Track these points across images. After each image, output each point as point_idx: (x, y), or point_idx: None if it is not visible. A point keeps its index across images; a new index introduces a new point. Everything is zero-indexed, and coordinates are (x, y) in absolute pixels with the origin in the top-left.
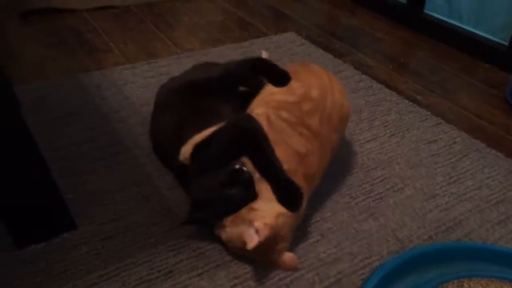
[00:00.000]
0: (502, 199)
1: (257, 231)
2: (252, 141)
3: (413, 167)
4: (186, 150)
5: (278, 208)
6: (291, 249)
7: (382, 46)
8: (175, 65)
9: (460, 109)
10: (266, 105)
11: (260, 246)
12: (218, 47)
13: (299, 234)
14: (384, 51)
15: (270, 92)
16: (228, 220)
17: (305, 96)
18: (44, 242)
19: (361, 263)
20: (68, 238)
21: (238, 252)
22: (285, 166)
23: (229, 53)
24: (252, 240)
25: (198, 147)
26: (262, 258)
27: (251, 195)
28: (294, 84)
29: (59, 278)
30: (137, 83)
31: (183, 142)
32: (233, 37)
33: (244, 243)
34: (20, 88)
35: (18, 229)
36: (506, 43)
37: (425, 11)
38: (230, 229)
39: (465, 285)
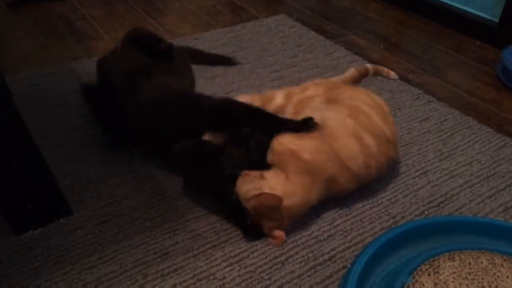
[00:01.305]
0: (492, 174)
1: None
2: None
3: (405, 145)
4: None
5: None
6: None
7: (374, 26)
8: None
9: (451, 86)
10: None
11: (260, 209)
12: (209, 32)
13: None
14: (376, 31)
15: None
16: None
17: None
18: (40, 228)
19: (354, 239)
20: (64, 224)
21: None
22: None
23: (220, 37)
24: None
25: None
26: (255, 219)
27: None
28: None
29: (56, 262)
30: None
31: None
32: (224, 21)
33: (246, 200)
34: (11, 78)
35: (15, 216)
36: (497, 20)
37: None
38: (239, 184)
39: (456, 257)
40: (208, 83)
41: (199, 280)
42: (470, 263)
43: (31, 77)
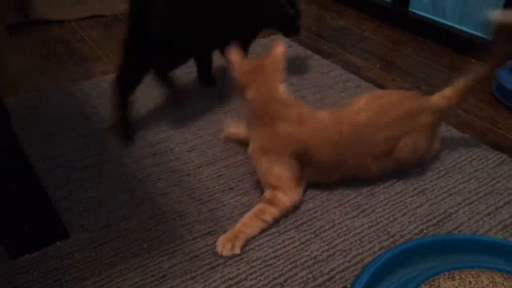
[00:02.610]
0: (490, 191)
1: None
2: None
3: None
4: None
5: None
6: (283, 247)
7: (369, 45)
8: None
9: None
10: None
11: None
12: None
13: (291, 233)
14: (372, 50)
15: None
16: None
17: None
18: (37, 251)
19: (354, 259)
20: (61, 247)
21: None
22: None
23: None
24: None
25: None
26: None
27: None
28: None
29: (53, 286)
30: None
31: None
32: None
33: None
34: (9, 100)
35: (11, 239)
36: (491, 38)
37: (410, 9)
38: None
39: (456, 276)
40: (207, 104)
41: None
42: (470, 282)
43: (29, 99)
